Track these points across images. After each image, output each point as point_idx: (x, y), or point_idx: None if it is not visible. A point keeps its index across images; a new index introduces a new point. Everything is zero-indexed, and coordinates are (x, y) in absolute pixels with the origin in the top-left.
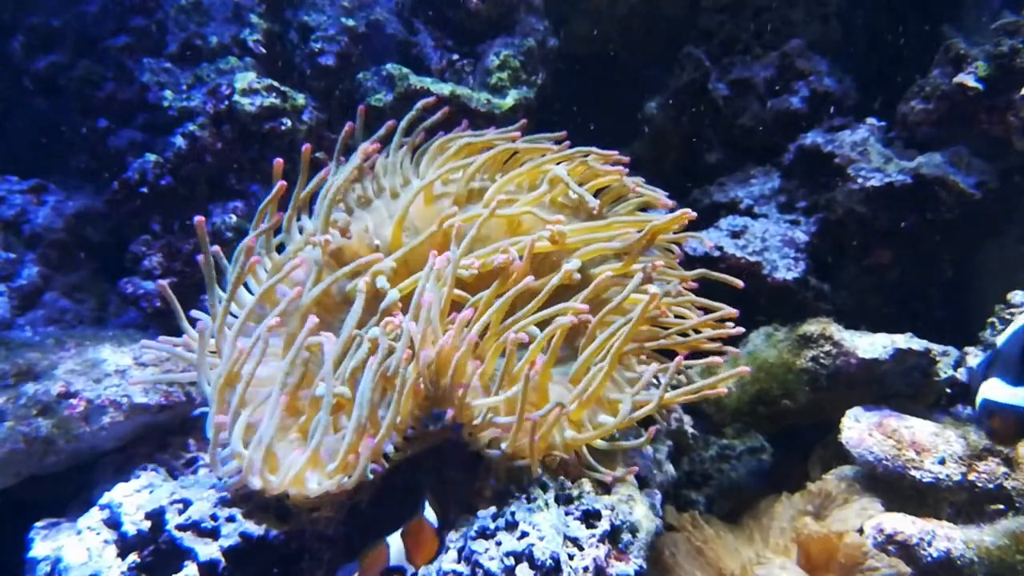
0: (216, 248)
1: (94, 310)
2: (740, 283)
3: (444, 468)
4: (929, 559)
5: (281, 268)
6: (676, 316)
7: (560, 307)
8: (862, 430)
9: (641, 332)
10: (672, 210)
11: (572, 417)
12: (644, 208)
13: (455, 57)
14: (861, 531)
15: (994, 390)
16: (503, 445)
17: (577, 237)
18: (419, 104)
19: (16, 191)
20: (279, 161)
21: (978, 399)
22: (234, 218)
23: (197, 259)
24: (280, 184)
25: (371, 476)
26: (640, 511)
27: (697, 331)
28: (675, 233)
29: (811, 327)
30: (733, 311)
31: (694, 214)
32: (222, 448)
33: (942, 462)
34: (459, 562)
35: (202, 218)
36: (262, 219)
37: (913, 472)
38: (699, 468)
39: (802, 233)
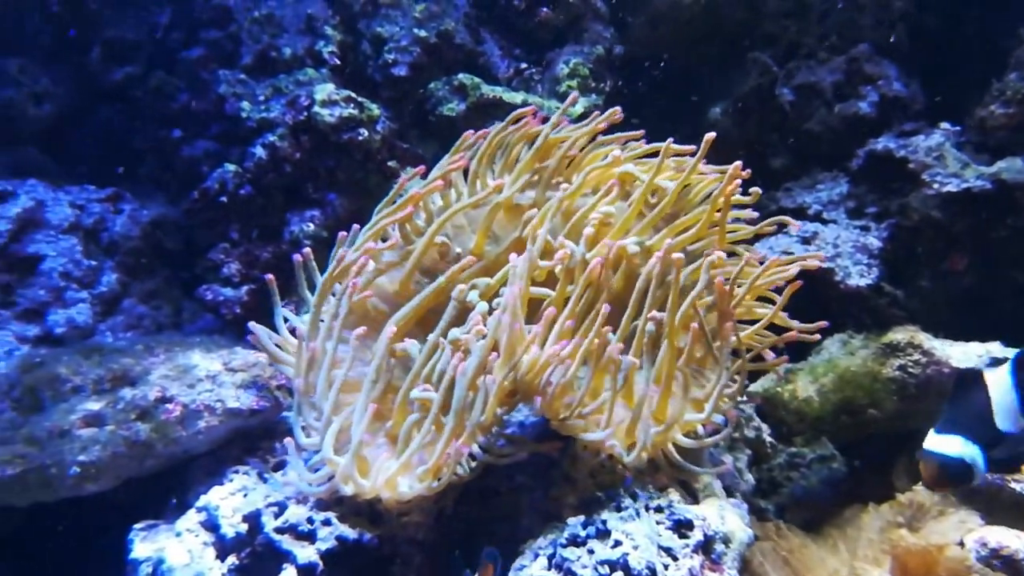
0: (307, 250)
1: (169, 316)
2: (817, 262)
3: (516, 474)
4: None
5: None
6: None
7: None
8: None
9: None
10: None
11: (656, 415)
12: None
13: (523, 66)
14: (961, 544)
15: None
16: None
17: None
18: (509, 118)
19: (95, 200)
20: (439, 183)
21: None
22: (312, 227)
23: (293, 258)
24: (407, 211)
25: (468, 470)
26: (732, 521)
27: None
28: (749, 234)
29: (898, 335)
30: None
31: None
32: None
33: None
34: (549, 569)
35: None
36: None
37: (1013, 484)
38: (767, 476)
39: (875, 239)
